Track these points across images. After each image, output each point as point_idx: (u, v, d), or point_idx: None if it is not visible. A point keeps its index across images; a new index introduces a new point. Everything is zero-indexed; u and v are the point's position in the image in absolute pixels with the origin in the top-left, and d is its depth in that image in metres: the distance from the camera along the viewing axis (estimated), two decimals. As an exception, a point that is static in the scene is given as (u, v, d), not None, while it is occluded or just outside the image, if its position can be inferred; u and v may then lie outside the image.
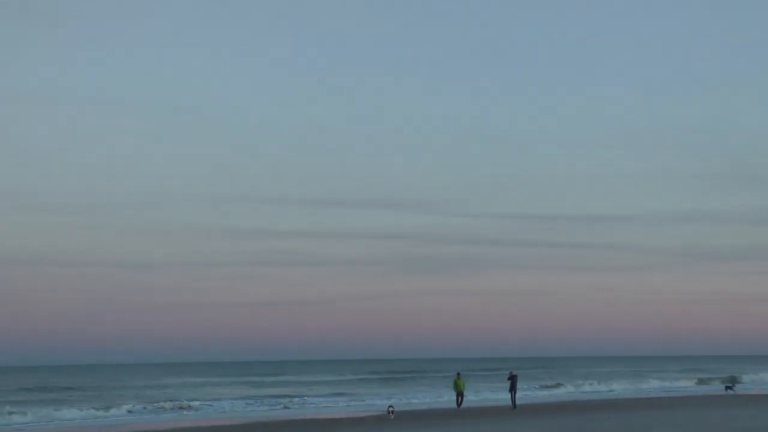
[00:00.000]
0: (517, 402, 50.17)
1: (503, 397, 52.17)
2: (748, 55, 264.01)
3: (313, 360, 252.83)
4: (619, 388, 79.87)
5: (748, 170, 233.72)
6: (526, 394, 67.31)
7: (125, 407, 59.27)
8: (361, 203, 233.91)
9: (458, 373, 52.41)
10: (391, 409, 44.76)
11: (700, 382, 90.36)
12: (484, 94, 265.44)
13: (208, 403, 64.52)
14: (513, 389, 49.93)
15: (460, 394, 50.25)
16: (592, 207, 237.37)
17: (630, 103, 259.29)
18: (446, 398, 62.42)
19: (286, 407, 59.46)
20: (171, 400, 67.12)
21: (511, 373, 51.81)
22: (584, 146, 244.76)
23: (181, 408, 60.67)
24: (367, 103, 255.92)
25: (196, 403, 63.75)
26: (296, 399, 66.89)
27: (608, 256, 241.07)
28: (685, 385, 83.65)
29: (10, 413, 54.55)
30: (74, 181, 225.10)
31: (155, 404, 62.83)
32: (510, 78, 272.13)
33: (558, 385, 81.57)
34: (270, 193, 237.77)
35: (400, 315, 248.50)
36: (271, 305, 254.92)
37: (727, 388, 63.90)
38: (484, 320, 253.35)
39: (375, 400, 62.71)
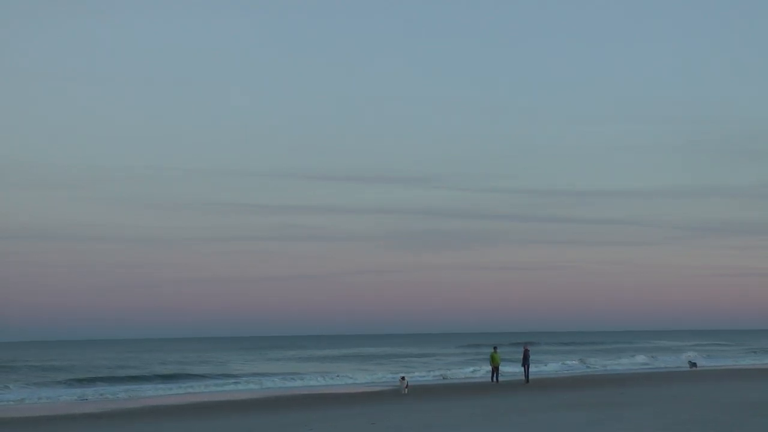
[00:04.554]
0: (530, 376, 50.99)
1: (517, 371, 52.94)
2: (748, 32, 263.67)
3: (323, 335, 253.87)
4: (633, 362, 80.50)
5: (757, 145, 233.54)
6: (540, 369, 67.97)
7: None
8: (372, 178, 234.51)
9: (495, 347, 52.37)
10: (405, 381, 45.11)
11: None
12: (495, 69, 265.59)
13: (222, 377, 65.76)
14: (526, 363, 50.57)
15: (496, 368, 50.52)
16: (603, 182, 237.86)
17: (641, 78, 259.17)
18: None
19: (294, 382, 60.45)
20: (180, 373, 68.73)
21: (525, 347, 52.51)
22: (595, 121, 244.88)
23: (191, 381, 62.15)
24: (378, 79, 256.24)
25: (208, 378, 65.16)
26: (309, 374, 67.86)
27: (620, 230, 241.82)
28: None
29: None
30: (78, 156, 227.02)
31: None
32: (520, 53, 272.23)
33: (570, 359, 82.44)
34: (280, 168, 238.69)
35: (411, 289, 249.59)
36: (282, 280, 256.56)
37: (690, 364, 65.98)
38: (495, 295, 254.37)
39: (390, 375, 63.54)
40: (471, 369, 67.75)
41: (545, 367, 72.91)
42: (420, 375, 64.65)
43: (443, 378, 60.29)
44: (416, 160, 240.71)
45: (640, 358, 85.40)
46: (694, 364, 66.24)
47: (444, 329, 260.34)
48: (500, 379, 50.65)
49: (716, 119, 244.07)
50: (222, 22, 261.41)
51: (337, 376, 65.67)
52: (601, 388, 43.14)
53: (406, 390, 43.66)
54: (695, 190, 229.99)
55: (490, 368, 51.28)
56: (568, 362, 78.75)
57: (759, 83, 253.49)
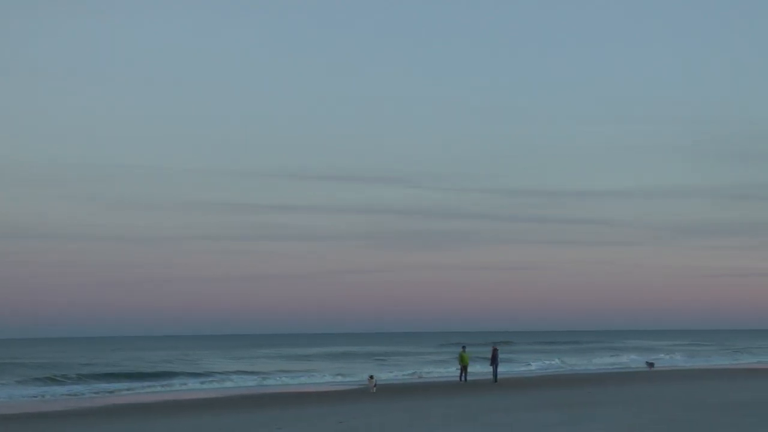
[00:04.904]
0: (499, 375, 50.73)
1: (486, 370, 52.59)
2: (738, 33, 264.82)
3: (304, 334, 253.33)
4: (604, 362, 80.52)
5: (739, 147, 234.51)
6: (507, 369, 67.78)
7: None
8: (354, 178, 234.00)
9: (463, 347, 52.48)
10: (373, 381, 44.95)
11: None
12: (474, 71, 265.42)
13: (190, 375, 65.13)
14: (495, 363, 50.44)
15: (464, 368, 50.41)
16: (581, 182, 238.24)
17: (624, 79, 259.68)
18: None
19: (268, 381, 60.00)
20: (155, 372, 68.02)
21: (493, 347, 52.33)
22: (574, 121, 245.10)
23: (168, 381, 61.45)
24: (360, 79, 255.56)
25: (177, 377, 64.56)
26: (279, 373, 67.43)
27: (598, 230, 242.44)
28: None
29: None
30: (60, 153, 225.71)
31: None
32: (498, 53, 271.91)
33: (547, 359, 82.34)
34: (262, 167, 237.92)
35: (392, 289, 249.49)
36: (264, 279, 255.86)
37: (648, 364, 66.60)
38: (475, 294, 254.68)
39: (363, 375, 63.07)
40: (448, 368, 67.40)
41: (529, 366, 72.69)
42: (394, 374, 64.30)
43: (418, 377, 59.93)
44: (397, 159, 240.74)
45: (617, 358, 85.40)
46: (651, 364, 66.93)
47: (424, 328, 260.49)
48: (468, 378, 50.36)
49: (703, 121, 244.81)
50: (205, 23, 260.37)
51: (313, 374, 65.19)
52: (575, 387, 42.91)
53: (374, 389, 43.37)
54: (672, 190, 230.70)
55: (459, 368, 51.16)
56: (546, 361, 78.62)
57: (751, 84, 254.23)
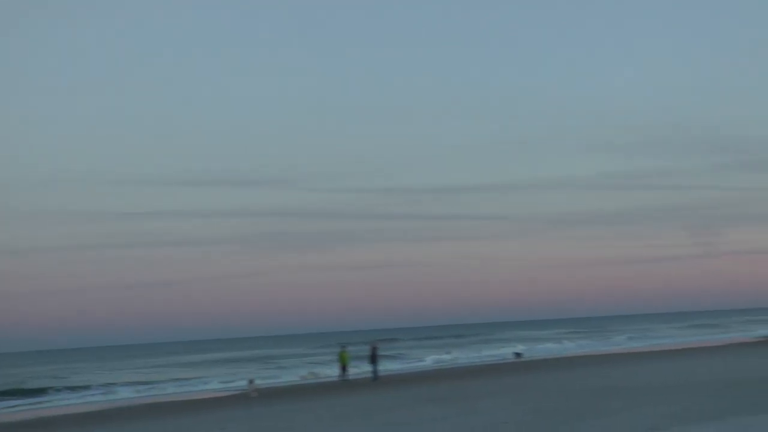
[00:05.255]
0: (386, 372, 50.58)
1: (366, 369, 52.33)
2: (589, 17, 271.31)
3: (190, 341, 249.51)
4: (492, 353, 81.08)
5: (603, 138, 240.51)
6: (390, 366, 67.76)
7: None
8: (228, 182, 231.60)
9: (343, 346, 52.32)
10: (253, 385, 44.26)
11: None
12: (343, 70, 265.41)
13: (67, 390, 63.10)
14: (374, 361, 50.24)
15: (344, 368, 50.12)
16: (451, 178, 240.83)
17: (484, 72, 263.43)
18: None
19: (145, 390, 58.57)
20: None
21: (372, 345, 52.13)
22: (440, 118, 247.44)
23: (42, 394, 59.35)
24: (226, 81, 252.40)
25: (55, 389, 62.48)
26: (158, 382, 65.85)
27: (471, 225, 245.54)
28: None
29: None
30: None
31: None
32: (365, 52, 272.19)
33: (435, 353, 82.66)
34: (136, 174, 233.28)
35: (273, 292, 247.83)
36: (143, 287, 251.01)
37: (516, 355, 67.52)
38: (355, 293, 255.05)
39: (242, 379, 61.99)
40: (331, 369, 66.80)
41: (422, 362, 72.70)
42: (276, 377, 63.49)
43: (311, 376, 59.25)
44: (273, 162, 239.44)
45: (505, 349, 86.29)
46: (518, 354, 67.70)
47: (309, 330, 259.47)
48: (350, 378, 50.08)
49: (567, 114, 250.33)
50: (82, 22, 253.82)
51: (198, 382, 63.94)
52: (455, 381, 42.98)
53: (255, 393, 42.65)
54: (541, 182, 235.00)
55: (339, 367, 50.83)
56: (437, 356, 78.84)
57: (604, 74, 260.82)
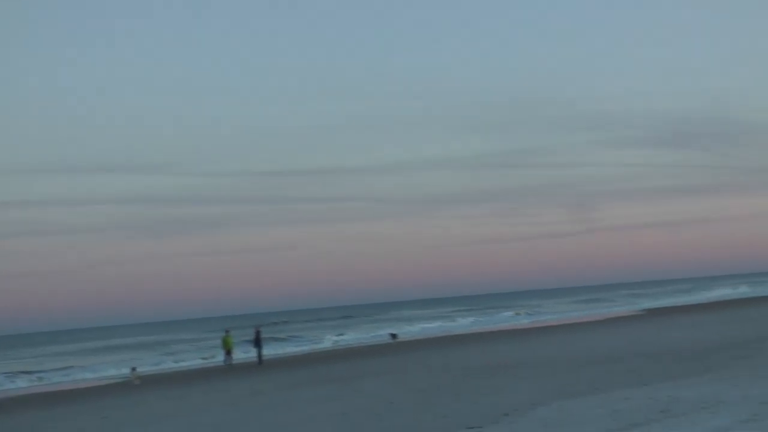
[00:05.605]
0: (264, 357, 50.14)
1: (252, 353, 51.80)
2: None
3: (56, 330, 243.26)
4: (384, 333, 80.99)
5: (482, 117, 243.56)
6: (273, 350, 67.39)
7: None
8: (104, 168, 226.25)
9: (227, 330, 51.45)
10: (136, 372, 43.37)
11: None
12: (208, 53, 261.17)
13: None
14: (258, 345, 49.82)
15: (228, 352, 49.48)
16: (328, 159, 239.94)
17: (359, 52, 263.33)
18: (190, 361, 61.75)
19: (23, 380, 56.84)
20: None
21: (256, 328, 51.69)
22: (311, 101, 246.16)
23: None
24: (94, 66, 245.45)
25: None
26: (35, 372, 63.91)
27: (354, 206, 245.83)
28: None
29: None
30: None
31: None
32: (228, 35, 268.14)
33: (300, 338, 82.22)
34: (5, 162, 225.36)
35: (141, 279, 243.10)
36: (20, 277, 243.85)
37: (392, 336, 67.46)
38: (241, 277, 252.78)
39: (122, 368, 60.61)
40: (216, 353, 65.89)
41: (310, 344, 72.13)
42: (161, 363, 62.43)
43: (199, 361, 58.22)
44: (151, 147, 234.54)
45: (398, 329, 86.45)
46: (394, 336, 67.60)
47: (194, 315, 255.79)
48: (234, 362, 49.56)
49: (448, 93, 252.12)
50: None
51: (72, 370, 62.27)
52: (342, 362, 42.92)
53: (138, 381, 41.81)
54: (424, 162, 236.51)
55: (224, 352, 50.19)
56: (325, 338, 78.43)
57: (478, 52, 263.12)
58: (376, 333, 78.27)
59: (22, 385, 54.27)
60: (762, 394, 15.84)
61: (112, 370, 60.90)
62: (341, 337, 78.88)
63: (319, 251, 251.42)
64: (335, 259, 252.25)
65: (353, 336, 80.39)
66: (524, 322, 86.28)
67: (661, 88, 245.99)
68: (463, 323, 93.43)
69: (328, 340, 76.30)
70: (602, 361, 27.09)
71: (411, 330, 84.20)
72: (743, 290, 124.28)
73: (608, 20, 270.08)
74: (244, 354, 55.72)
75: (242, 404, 25.59)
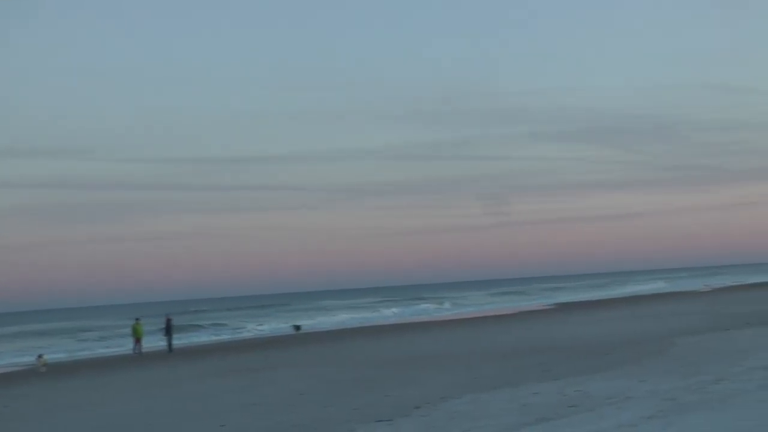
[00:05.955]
0: (174, 345, 49.48)
1: (162, 342, 50.95)
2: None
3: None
4: (277, 327, 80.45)
5: (405, 109, 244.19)
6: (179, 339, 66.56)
7: None
8: (9, 152, 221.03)
9: (137, 319, 50.61)
10: (42, 359, 42.33)
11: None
12: (135, 38, 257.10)
13: None
14: (169, 333, 49.16)
15: (138, 340, 48.67)
16: (245, 148, 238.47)
17: (282, 43, 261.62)
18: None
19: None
20: None
21: (167, 317, 50.99)
22: (233, 86, 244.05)
23: None
24: (10, 52, 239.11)
25: None
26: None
27: (273, 196, 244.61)
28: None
29: None
30: None
31: None
32: (157, 20, 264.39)
33: (220, 326, 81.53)
34: None
35: (52, 265, 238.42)
36: None
37: (295, 328, 67.04)
38: (156, 264, 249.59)
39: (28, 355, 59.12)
40: (127, 341, 64.75)
41: (238, 333, 71.12)
42: (71, 351, 61.16)
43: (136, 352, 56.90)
44: (66, 132, 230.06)
45: (330, 317, 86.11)
46: (298, 327, 67.03)
47: (107, 302, 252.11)
48: (144, 350, 48.79)
49: (371, 84, 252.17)
50: None
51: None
52: (253, 352, 42.46)
53: (44, 369, 40.83)
54: (336, 153, 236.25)
55: (133, 340, 49.37)
56: (245, 327, 77.63)
57: (393, 48, 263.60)
58: (294, 323, 77.55)
59: None
60: (669, 389, 15.97)
61: (17, 357, 59.42)
62: (261, 327, 78.21)
63: (241, 239, 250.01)
64: (257, 248, 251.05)
65: (274, 326, 79.74)
66: (443, 314, 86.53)
67: (583, 84, 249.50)
68: (384, 314, 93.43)
69: (248, 330, 75.62)
70: (514, 354, 27.20)
71: (330, 320, 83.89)
72: (660, 285, 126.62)
73: (533, 16, 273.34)
74: (154, 343, 54.83)
75: (150, 394, 25.15)
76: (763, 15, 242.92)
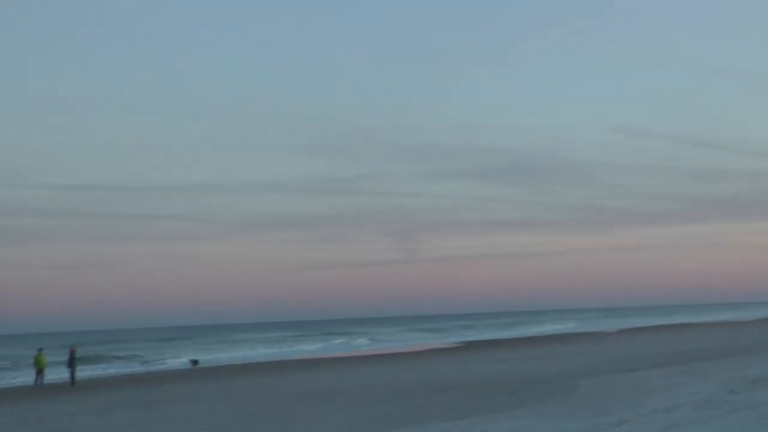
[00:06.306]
0: (78, 377, 48.30)
1: (65, 374, 49.67)
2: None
3: None
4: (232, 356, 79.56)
5: (305, 140, 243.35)
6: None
7: None
8: None
9: (40, 349, 49.19)
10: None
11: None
12: (18, 65, 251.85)
13: None
14: (72, 365, 47.97)
15: (40, 371, 47.34)
16: (148, 176, 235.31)
17: (196, 73, 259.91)
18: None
19: None
20: None
21: (71, 348, 49.81)
22: (141, 114, 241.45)
23: None
24: None
25: None
26: None
27: (171, 225, 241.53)
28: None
29: None
30: None
31: None
32: (39, 42, 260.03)
33: (130, 358, 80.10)
34: None
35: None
36: None
37: (192, 362, 66.01)
38: (50, 294, 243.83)
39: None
40: (29, 372, 63.03)
41: (170, 361, 69.76)
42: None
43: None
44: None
45: (241, 351, 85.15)
46: (195, 362, 65.82)
47: (14, 330, 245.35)
48: (45, 382, 47.50)
49: (266, 117, 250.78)
50: None
51: None
52: (156, 385, 41.62)
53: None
54: (242, 184, 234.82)
55: (35, 371, 48.01)
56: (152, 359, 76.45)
57: (308, 77, 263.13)
58: (191, 357, 76.16)
59: None
60: (573, 431, 15.93)
61: None
62: (170, 360, 76.95)
63: (141, 269, 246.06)
64: (162, 278, 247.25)
65: (177, 359, 78.44)
66: (354, 349, 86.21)
67: (488, 122, 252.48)
68: (297, 349, 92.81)
69: (154, 362, 74.31)
70: (421, 392, 27.03)
71: (236, 355, 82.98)
72: (569, 326, 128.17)
73: (443, 53, 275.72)
74: (58, 374, 53.43)
75: (48, 428, 24.34)
76: (662, 62, 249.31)
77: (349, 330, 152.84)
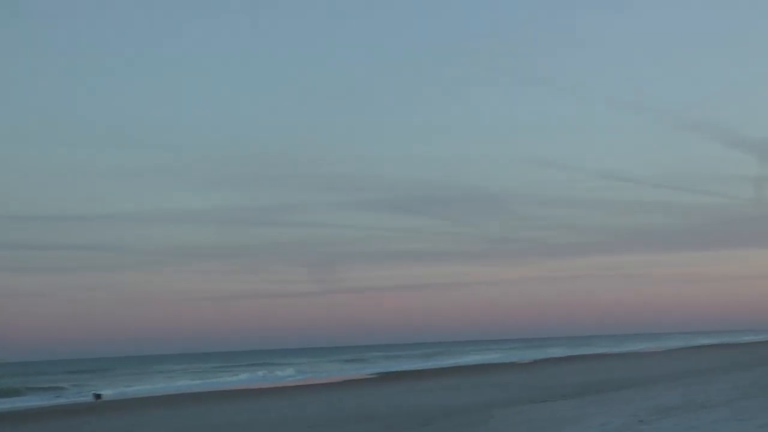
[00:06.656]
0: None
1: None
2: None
3: None
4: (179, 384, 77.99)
5: (217, 170, 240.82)
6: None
7: None
8: None
9: None
10: None
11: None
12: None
13: None
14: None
15: None
16: (67, 206, 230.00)
17: (102, 102, 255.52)
18: None
19: None
20: None
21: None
22: (58, 142, 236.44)
23: None
24: None
25: None
26: None
27: (78, 255, 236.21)
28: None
29: None
30: None
31: None
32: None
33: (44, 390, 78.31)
34: None
35: None
36: None
37: (95, 396, 64.04)
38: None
39: None
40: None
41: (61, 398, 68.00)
42: None
43: None
44: None
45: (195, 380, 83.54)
46: (98, 396, 64.01)
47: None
48: None
49: (193, 146, 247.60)
50: None
51: None
52: (67, 419, 40.90)
53: None
54: (158, 214, 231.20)
55: None
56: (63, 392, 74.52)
57: (223, 105, 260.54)
58: (95, 391, 74.31)
59: None
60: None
61: None
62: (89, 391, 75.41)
63: (56, 300, 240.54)
64: (72, 310, 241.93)
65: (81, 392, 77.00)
66: (274, 380, 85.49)
67: (406, 152, 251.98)
68: (220, 380, 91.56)
69: (66, 396, 72.79)
70: (337, 423, 27.09)
71: (158, 386, 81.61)
72: (489, 356, 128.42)
73: (360, 82, 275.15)
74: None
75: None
76: (578, 97, 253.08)
77: (272, 361, 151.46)
